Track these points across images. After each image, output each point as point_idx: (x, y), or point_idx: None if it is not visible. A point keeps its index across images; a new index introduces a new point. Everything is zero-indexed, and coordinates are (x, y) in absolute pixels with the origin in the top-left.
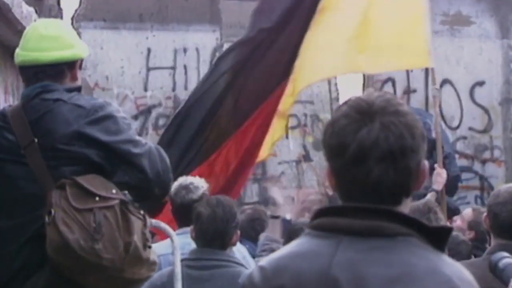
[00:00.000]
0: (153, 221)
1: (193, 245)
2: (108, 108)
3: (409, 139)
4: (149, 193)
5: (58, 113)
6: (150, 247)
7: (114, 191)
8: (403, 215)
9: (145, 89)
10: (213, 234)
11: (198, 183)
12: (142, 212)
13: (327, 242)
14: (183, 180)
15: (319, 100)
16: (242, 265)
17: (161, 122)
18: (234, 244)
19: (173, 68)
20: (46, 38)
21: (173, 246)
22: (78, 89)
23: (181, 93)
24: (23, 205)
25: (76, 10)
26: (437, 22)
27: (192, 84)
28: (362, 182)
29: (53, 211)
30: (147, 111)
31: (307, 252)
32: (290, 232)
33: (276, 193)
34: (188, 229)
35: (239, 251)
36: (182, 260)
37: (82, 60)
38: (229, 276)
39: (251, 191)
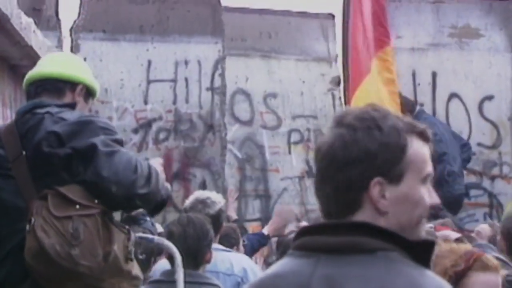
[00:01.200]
0: (156, 238)
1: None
2: (90, 118)
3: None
4: (105, 191)
5: (42, 125)
6: (132, 260)
7: (96, 201)
8: (383, 229)
9: (145, 102)
10: (186, 254)
11: (215, 198)
12: (127, 226)
13: (307, 261)
14: (200, 194)
15: (323, 114)
16: (216, 285)
17: (162, 136)
18: (208, 262)
19: (174, 80)
20: (55, 59)
21: (176, 263)
22: (71, 106)
23: (182, 107)
24: (5, 217)
25: (74, 21)
26: (445, 35)
27: (194, 97)
28: (326, 199)
29: (33, 219)
30: (147, 124)
31: (287, 272)
32: (279, 246)
33: None
34: None
35: (241, 262)
36: (151, 282)
37: (87, 90)
38: None
39: (252, 208)
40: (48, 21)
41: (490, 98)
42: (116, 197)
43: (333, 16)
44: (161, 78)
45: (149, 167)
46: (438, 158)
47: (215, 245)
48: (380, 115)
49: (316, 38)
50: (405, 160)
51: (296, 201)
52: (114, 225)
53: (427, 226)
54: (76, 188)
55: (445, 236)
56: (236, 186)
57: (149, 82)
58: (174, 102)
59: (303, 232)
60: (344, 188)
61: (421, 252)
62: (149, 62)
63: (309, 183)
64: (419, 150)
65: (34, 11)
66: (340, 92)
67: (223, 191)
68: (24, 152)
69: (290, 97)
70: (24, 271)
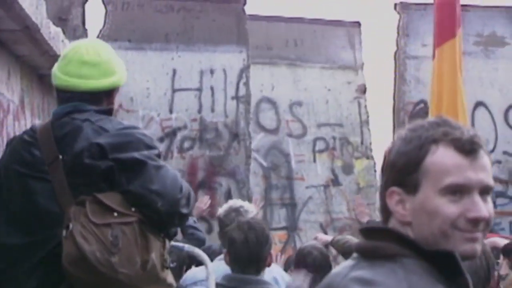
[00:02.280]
0: (187, 246)
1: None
2: (131, 130)
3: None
4: (151, 204)
5: (81, 132)
6: (168, 268)
7: (133, 209)
8: (400, 235)
9: (171, 111)
10: (248, 260)
11: (248, 207)
12: (162, 234)
13: (349, 263)
14: (233, 203)
15: (349, 123)
16: None
17: (187, 144)
18: (269, 266)
19: (199, 89)
20: (87, 65)
21: (207, 271)
22: (109, 112)
23: (207, 115)
24: (40, 222)
25: (100, 31)
26: (471, 43)
27: (219, 106)
28: None
29: (71, 225)
30: (172, 133)
31: (333, 272)
32: (299, 255)
33: None
34: None
35: (271, 271)
36: (217, 286)
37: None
38: None
39: (278, 216)
40: (74, 31)
41: None
42: (159, 212)
43: (359, 24)
44: (186, 87)
45: (189, 187)
46: None
47: None
48: (418, 125)
49: (343, 46)
50: (421, 169)
51: (321, 210)
52: (151, 233)
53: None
54: (114, 195)
55: (493, 243)
56: (262, 194)
57: (174, 91)
58: (199, 111)
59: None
60: (380, 196)
61: (447, 262)
62: (174, 71)
63: (334, 191)
64: (442, 158)
65: (61, 21)
66: (365, 100)
67: (248, 200)
68: (61, 157)
69: (316, 105)
70: (58, 277)
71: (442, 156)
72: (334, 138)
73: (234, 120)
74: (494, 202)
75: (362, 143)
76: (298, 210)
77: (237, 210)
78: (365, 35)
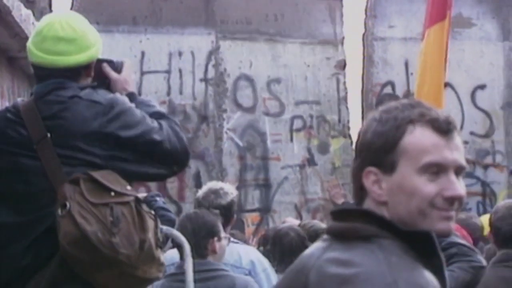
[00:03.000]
0: (164, 227)
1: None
2: (120, 100)
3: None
4: (168, 175)
5: (75, 111)
6: (161, 247)
7: (128, 187)
8: (377, 215)
9: (139, 94)
10: (193, 247)
11: (228, 189)
12: (153, 212)
13: (322, 244)
14: (213, 184)
15: (326, 100)
16: (223, 269)
17: None
18: (215, 252)
19: (168, 72)
20: (63, 41)
21: (185, 253)
22: (93, 87)
23: (176, 98)
24: (33, 201)
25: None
26: None
27: (187, 88)
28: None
29: (68, 204)
30: None
31: (305, 254)
32: (275, 237)
33: None
34: None
35: (248, 254)
36: (167, 276)
37: None
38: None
39: (252, 198)
40: (41, 13)
41: (482, 87)
42: (173, 175)
43: None
44: (154, 69)
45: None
46: None
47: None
48: (392, 106)
49: (323, 20)
50: (398, 149)
51: (296, 191)
52: (144, 211)
53: None
54: (109, 173)
55: None
56: (236, 175)
57: (142, 73)
58: (168, 94)
59: (331, 218)
60: (353, 177)
61: (423, 242)
62: (143, 54)
63: (310, 171)
64: (420, 138)
65: (28, 3)
66: (344, 76)
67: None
68: (49, 135)
69: (294, 82)
70: (50, 254)
71: (420, 136)
72: (311, 116)
73: (202, 102)
74: None
75: (339, 121)
76: (272, 191)
77: (216, 192)
78: (346, 9)
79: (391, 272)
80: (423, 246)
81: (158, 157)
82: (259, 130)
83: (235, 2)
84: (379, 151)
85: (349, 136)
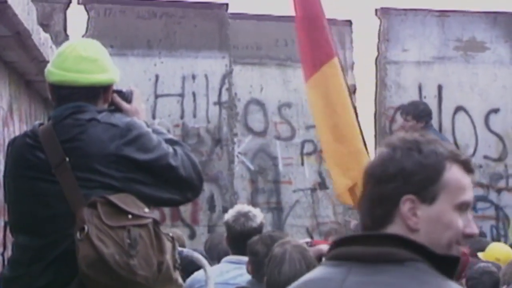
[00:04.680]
0: (185, 250)
1: (245, 277)
2: (138, 124)
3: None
4: (182, 202)
5: (92, 134)
6: (178, 268)
7: (146, 210)
8: (412, 241)
9: (153, 117)
10: None
11: (255, 212)
12: (171, 234)
13: (339, 269)
14: (241, 208)
15: None
16: None
17: None
18: None
19: (181, 95)
20: (86, 60)
21: (206, 276)
22: (111, 111)
23: (190, 121)
24: (53, 224)
25: (82, 36)
26: (451, 48)
27: (201, 112)
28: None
29: (86, 227)
30: None
31: (319, 278)
32: None
33: None
34: (244, 258)
35: None
36: None
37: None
38: None
39: (264, 221)
40: (56, 37)
41: (496, 110)
42: (187, 202)
43: (350, 23)
44: (168, 92)
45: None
46: None
47: None
48: (424, 140)
49: None
50: (440, 182)
51: (308, 214)
52: (162, 233)
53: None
54: (126, 196)
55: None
56: (248, 199)
57: (156, 96)
58: (182, 117)
59: (336, 244)
60: (378, 202)
61: (447, 266)
62: (157, 77)
63: (321, 195)
64: (457, 177)
65: (42, 27)
66: (355, 101)
67: (231, 205)
68: (67, 159)
69: (305, 107)
70: (68, 278)
71: (458, 174)
72: None
73: (216, 125)
74: (475, 207)
75: None
76: (284, 215)
77: (245, 215)
78: (356, 34)
79: None
80: (448, 270)
81: (173, 182)
82: (271, 154)
83: (245, 28)
84: (422, 182)
85: None
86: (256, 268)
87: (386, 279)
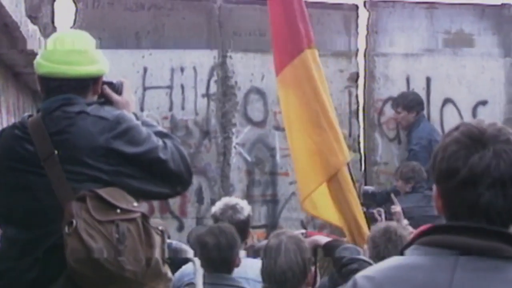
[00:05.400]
0: (174, 242)
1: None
2: (127, 117)
3: None
4: (171, 195)
5: (82, 126)
6: (167, 262)
7: (135, 204)
8: None
9: (142, 109)
10: (220, 262)
11: (243, 204)
12: (160, 227)
13: (444, 258)
14: (228, 200)
15: (338, 113)
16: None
17: None
18: (237, 266)
19: (170, 87)
20: (74, 52)
21: (195, 268)
22: (100, 103)
23: (178, 113)
24: (41, 217)
25: (70, 28)
26: (439, 40)
27: (189, 104)
28: (471, 206)
29: (74, 221)
30: None
31: (423, 265)
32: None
33: None
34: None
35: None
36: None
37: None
38: None
39: (259, 214)
40: (44, 29)
41: (483, 103)
42: (177, 195)
43: (357, 7)
44: (156, 85)
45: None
46: None
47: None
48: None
49: (338, 32)
50: None
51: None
52: (151, 227)
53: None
54: (114, 190)
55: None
56: (244, 190)
57: (145, 89)
58: (170, 109)
59: (434, 230)
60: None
61: None
62: (145, 69)
63: None
64: None
65: (31, 19)
66: (357, 88)
67: (219, 198)
68: (56, 152)
69: None
70: (56, 272)
71: None
72: None
73: (204, 118)
74: None
75: (350, 135)
76: (279, 207)
77: (233, 208)
78: (362, 19)
79: None
80: None
81: (162, 175)
82: (269, 145)
83: (248, 14)
84: None
85: (359, 150)
86: (204, 259)
87: (501, 276)
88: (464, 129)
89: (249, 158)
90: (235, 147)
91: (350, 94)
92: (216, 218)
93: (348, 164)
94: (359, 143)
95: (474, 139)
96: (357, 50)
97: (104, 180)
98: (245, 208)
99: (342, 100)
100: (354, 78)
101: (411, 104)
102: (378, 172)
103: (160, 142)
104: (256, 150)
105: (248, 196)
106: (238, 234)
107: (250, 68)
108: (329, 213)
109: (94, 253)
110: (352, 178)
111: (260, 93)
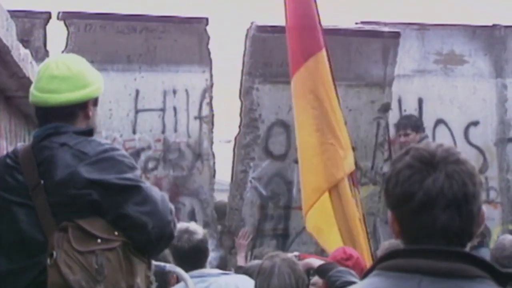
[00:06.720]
0: (168, 265)
1: None
2: (110, 152)
3: (470, 186)
4: (142, 226)
5: (60, 158)
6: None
7: (116, 233)
8: (480, 259)
9: (134, 132)
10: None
11: (194, 225)
12: (146, 255)
13: (407, 282)
14: (179, 226)
15: (363, 146)
16: None
17: (151, 165)
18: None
19: (162, 110)
20: (57, 79)
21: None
22: (90, 132)
23: (171, 136)
24: (24, 249)
25: (62, 52)
26: (431, 61)
27: (182, 126)
28: (429, 228)
29: (55, 253)
30: (136, 154)
31: None
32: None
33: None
34: (206, 271)
35: (246, 284)
36: None
37: (97, 97)
38: None
39: (267, 247)
40: (36, 52)
41: (475, 123)
42: (150, 234)
43: (398, 35)
44: (149, 107)
45: (166, 199)
46: None
47: (213, 270)
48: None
49: (375, 61)
50: None
51: (314, 240)
52: (134, 255)
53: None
54: (96, 220)
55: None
56: (254, 225)
57: (137, 111)
58: (163, 131)
59: (395, 255)
60: (471, 219)
61: (506, 282)
62: (137, 92)
63: None
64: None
65: (22, 42)
66: (386, 119)
67: (212, 220)
68: (42, 182)
69: None
70: None
71: None
72: None
73: (197, 140)
74: None
75: (372, 168)
76: (289, 241)
77: (187, 231)
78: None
79: None
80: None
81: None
82: (286, 179)
83: (278, 42)
84: None
85: (379, 183)
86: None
87: None
88: (414, 153)
89: (264, 192)
90: (250, 181)
91: (378, 125)
92: (175, 246)
93: (351, 174)
94: (380, 175)
95: (425, 162)
96: (393, 79)
97: (84, 210)
98: (197, 228)
99: (370, 132)
100: (385, 109)
101: (417, 124)
102: None
103: (140, 179)
104: (273, 184)
105: (258, 231)
106: (199, 255)
107: (278, 100)
108: (330, 240)
109: (71, 285)
110: (351, 189)
111: (285, 126)
